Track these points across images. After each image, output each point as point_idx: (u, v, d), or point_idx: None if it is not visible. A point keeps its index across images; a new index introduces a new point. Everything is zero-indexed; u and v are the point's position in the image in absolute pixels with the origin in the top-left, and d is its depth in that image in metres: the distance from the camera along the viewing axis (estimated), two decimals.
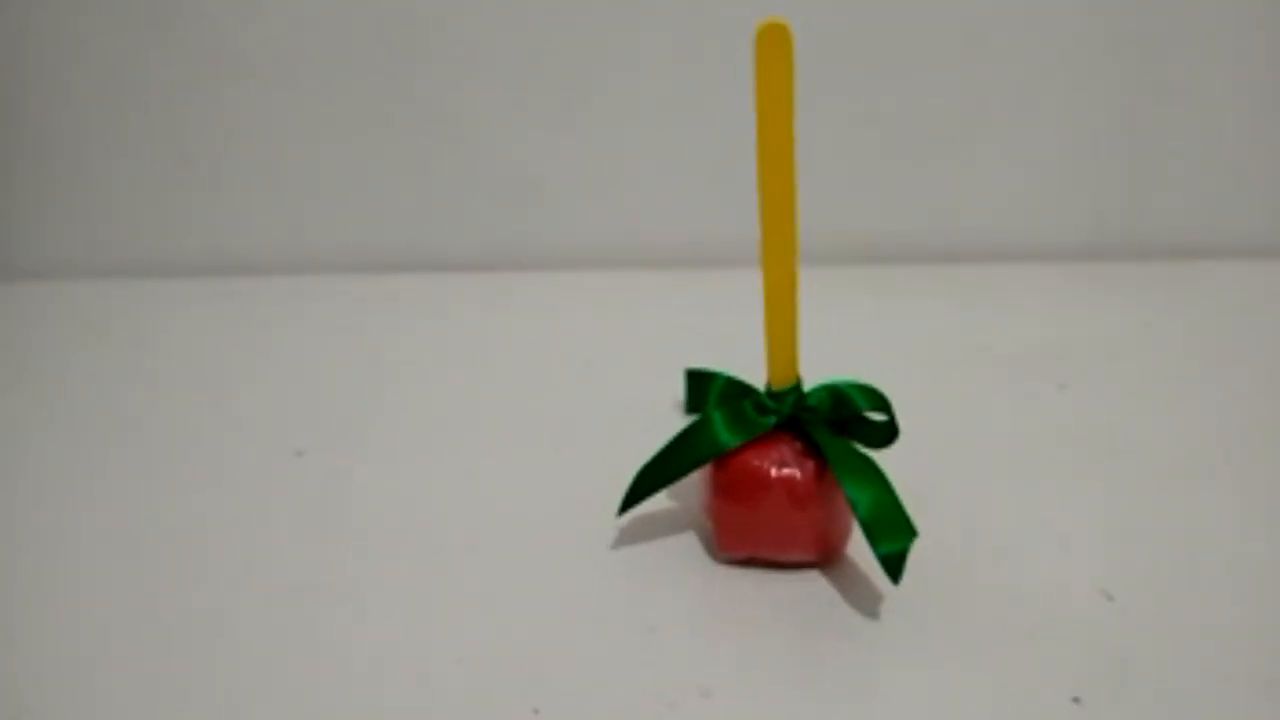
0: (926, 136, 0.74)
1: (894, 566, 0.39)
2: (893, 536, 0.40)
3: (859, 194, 0.76)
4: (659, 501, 0.48)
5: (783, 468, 0.42)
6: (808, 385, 0.44)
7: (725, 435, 0.43)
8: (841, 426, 0.43)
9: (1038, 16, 0.71)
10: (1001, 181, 0.75)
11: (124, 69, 0.76)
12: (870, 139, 0.75)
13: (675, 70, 0.74)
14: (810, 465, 0.42)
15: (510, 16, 0.73)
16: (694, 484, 0.47)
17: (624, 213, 0.78)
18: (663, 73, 0.74)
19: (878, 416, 0.43)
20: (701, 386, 0.48)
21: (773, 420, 0.43)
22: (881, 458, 0.42)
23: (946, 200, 0.76)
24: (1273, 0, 0.70)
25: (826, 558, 0.43)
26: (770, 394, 0.44)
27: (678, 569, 0.44)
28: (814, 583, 0.43)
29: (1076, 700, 0.36)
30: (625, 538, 0.46)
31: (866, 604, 0.42)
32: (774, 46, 0.38)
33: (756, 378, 0.45)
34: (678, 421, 0.45)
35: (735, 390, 0.46)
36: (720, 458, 0.43)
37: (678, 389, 0.56)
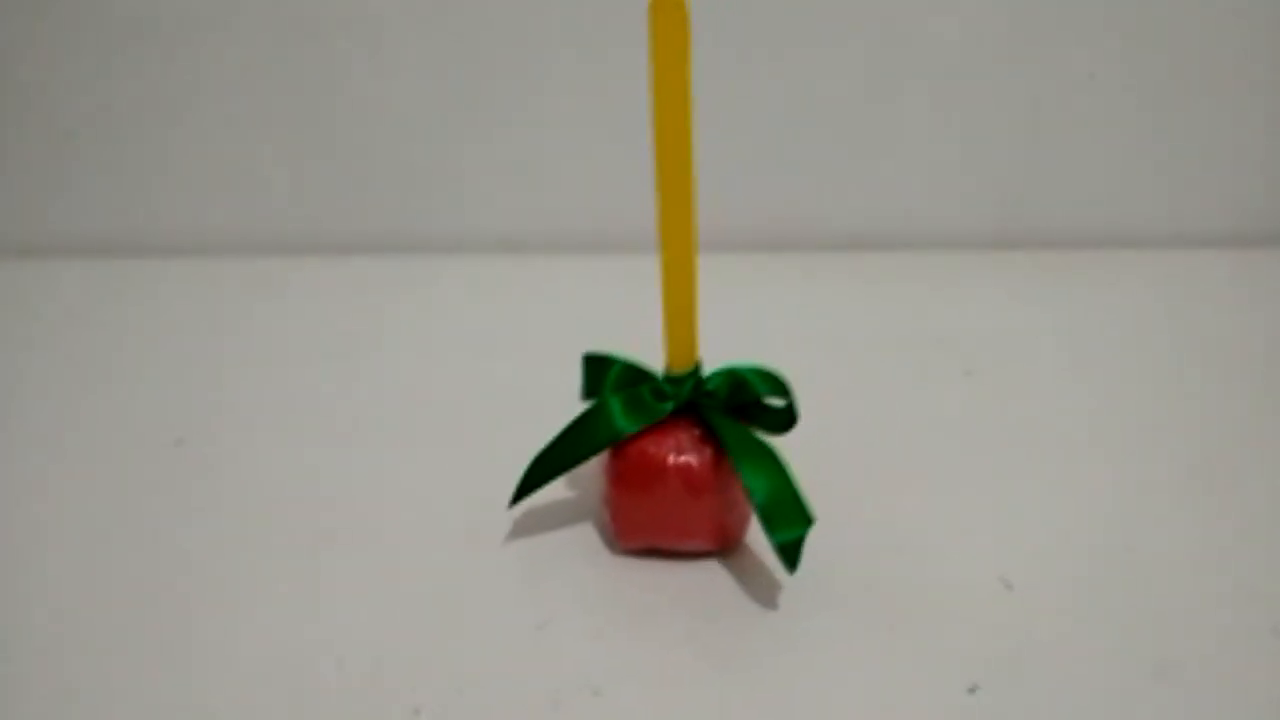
0: (834, 122, 0.74)
1: (790, 555, 0.38)
2: (789, 524, 0.39)
3: (766, 180, 0.75)
4: (554, 491, 0.46)
5: (679, 455, 0.41)
6: (709, 371, 0.43)
7: (622, 421, 0.41)
8: (741, 412, 0.42)
9: (946, 2, 0.71)
10: (907, 169, 0.75)
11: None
12: (777, 124, 0.74)
13: (578, 51, 0.72)
14: (708, 452, 0.41)
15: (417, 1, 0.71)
16: (592, 473, 0.46)
17: (527, 197, 0.76)
18: (565, 54, 0.72)
19: (777, 401, 0.42)
20: (598, 371, 0.46)
21: (670, 406, 0.42)
22: (783, 445, 0.41)
23: (854, 187, 0.76)
24: None
25: (725, 547, 0.42)
26: (668, 379, 0.42)
27: (572, 561, 0.43)
28: (712, 572, 0.42)
29: (972, 690, 0.36)
30: (518, 529, 0.44)
31: (764, 594, 0.41)
32: (669, 22, 0.36)
33: (658, 364, 0.44)
34: (575, 408, 0.43)
35: (633, 375, 0.44)
36: (617, 445, 0.42)
37: (576, 375, 0.54)
